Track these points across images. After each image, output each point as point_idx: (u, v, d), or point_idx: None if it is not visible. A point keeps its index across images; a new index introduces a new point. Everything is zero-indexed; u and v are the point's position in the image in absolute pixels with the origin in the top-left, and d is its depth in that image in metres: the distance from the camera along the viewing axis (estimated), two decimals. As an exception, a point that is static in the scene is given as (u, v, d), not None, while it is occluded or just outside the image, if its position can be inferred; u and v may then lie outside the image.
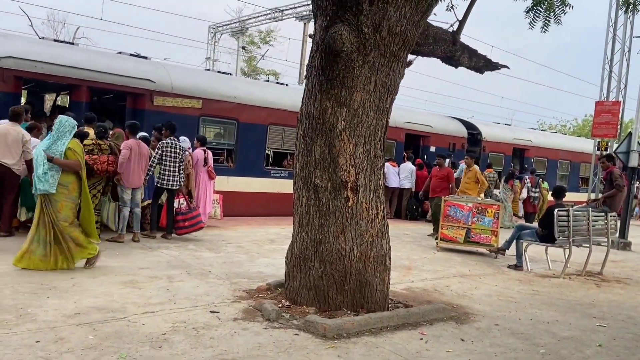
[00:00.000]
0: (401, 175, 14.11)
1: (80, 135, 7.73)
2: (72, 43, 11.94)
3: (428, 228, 11.61)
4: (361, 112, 4.72)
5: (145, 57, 11.54)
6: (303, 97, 4.97)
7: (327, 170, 4.74)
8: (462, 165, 12.86)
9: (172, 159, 8.15)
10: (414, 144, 15.86)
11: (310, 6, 22.55)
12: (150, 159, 8.02)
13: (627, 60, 15.54)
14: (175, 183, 8.21)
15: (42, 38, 11.73)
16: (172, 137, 8.31)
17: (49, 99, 14.94)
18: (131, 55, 11.35)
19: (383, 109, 4.87)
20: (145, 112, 10.51)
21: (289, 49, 42.01)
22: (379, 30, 4.55)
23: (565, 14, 5.63)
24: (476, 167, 11.38)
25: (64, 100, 15.62)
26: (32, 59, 9.19)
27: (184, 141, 9.72)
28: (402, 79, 5.00)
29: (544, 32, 5.65)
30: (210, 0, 50.51)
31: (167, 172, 8.11)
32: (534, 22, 5.68)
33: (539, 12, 5.67)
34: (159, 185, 8.17)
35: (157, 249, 7.38)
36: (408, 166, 14.21)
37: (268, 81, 17.14)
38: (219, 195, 10.20)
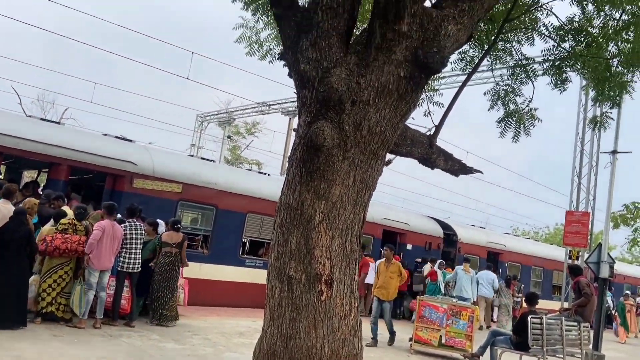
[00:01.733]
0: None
1: (58, 215, 7.60)
2: (57, 122, 12.12)
3: (406, 328, 11.29)
4: (339, 205, 4.78)
5: (130, 140, 11.72)
6: (283, 187, 5.04)
7: (302, 261, 4.69)
8: (459, 267, 12.79)
9: (135, 242, 8.00)
10: (390, 241, 15.92)
11: (295, 103, 23.54)
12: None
13: (595, 174, 16.29)
14: (137, 266, 7.98)
15: (29, 116, 11.91)
16: (133, 220, 8.21)
17: (27, 176, 14.82)
18: (116, 137, 11.53)
19: (361, 204, 4.94)
20: (123, 193, 10.47)
21: (273, 141, 43.16)
22: (359, 129, 4.74)
23: (534, 127, 5.98)
24: (396, 261, 10.45)
25: (42, 178, 15.53)
26: (14, 136, 9.25)
27: (160, 224, 9.63)
28: (380, 176, 5.13)
29: (515, 142, 5.97)
30: (200, 89, 52.53)
31: (129, 255, 7.91)
32: (505, 132, 6.02)
33: (509, 123, 6.02)
34: (119, 269, 7.91)
35: (118, 337, 7.00)
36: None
37: (250, 170, 17.41)
38: (184, 280, 9.91)
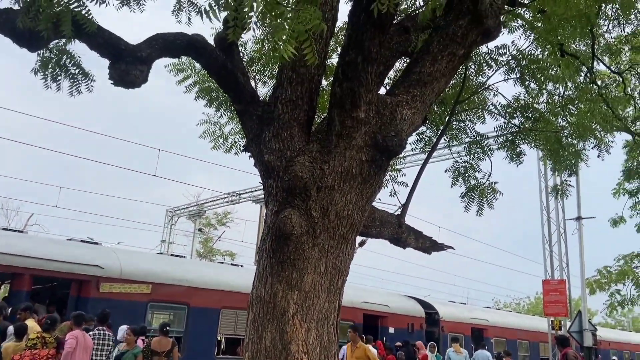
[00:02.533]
0: None
1: (21, 328, 7.17)
2: (20, 231, 11.81)
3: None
4: (312, 294, 4.65)
5: (96, 243, 11.43)
6: (254, 280, 4.91)
7: (278, 359, 4.46)
8: (450, 349, 12.14)
9: (100, 351, 7.55)
10: (372, 325, 15.47)
11: (263, 193, 23.67)
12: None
13: (565, 240, 16.57)
14: None
15: (-8, 226, 11.58)
16: (102, 327, 7.81)
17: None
18: (82, 241, 11.23)
19: (335, 291, 4.83)
20: (89, 300, 10.03)
21: (246, 230, 42.82)
22: (327, 214, 4.75)
23: (496, 199, 6.12)
24: (363, 343, 9.62)
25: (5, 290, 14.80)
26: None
27: (122, 330, 9.13)
28: (352, 260, 5.07)
29: (480, 215, 6.07)
30: (168, 185, 52.55)
31: None
32: (469, 206, 6.13)
33: (472, 197, 6.15)
34: None
35: None
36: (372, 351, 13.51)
37: (223, 262, 17.05)
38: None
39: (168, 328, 8.38)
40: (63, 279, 10.12)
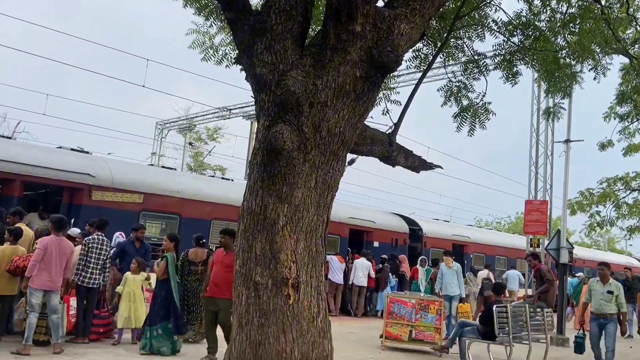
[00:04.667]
0: (359, 271, 13.93)
1: (17, 234, 7.26)
2: (9, 137, 11.68)
3: (376, 325, 11.35)
4: (302, 208, 4.77)
5: (87, 152, 11.40)
6: (245, 192, 4.99)
7: (267, 266, 4.65)
8: (442, 264, 11.63)
9: (97, 256, 7.71)
10: (357, 239, 16.02)
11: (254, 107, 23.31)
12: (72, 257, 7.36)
13: (551, 162, 16.83)
14: (96, 282, 7.69)
15: (-22, 131, 11.43)
16: (99, 233, 7.93)
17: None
18: (72, 149, 11.19)
19: (324, 205, 4.94)
20: (82, 207, 10.18)
21: (236, 145, 42.88)
22: (318, 130, 4.75)
23: (488, 120, 6.14)
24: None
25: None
26: (-36, 152, 8.88)
27: (117, 237, 9.36)
28: (342, 176, 5.15)
29: (471, 135, 6.11)
30: (159, 97, 51.62)
31: (89, 270, 7.61)
32: (461, 126, 6.15)
33: (465, 117, 6.15)
34: (79, 283, 7.59)
35: (83, 355, 6.79)
36: (365, 263, 14.01)
37: (213, 176, 17.20)
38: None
39: (204, 240, 8.51)
40: (54, 186, 10.19)
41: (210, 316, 7.07)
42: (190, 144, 29.73)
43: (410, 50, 5.98)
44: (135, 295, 7.81)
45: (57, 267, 6.93)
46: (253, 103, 25.84)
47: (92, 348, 7.25)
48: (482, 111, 6.17)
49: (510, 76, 6.35)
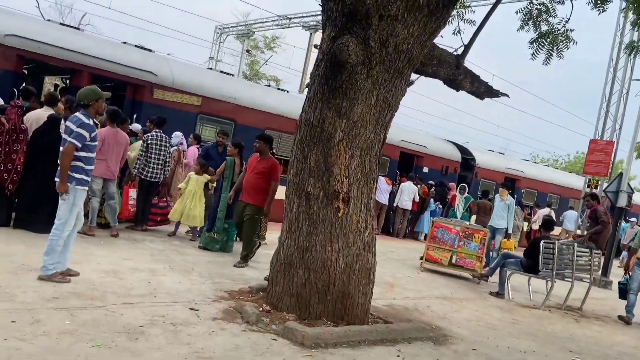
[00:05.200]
0: (405, 195, 14.04)
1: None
2: (77, 28, 11.89)
3: (417, 247, 11.60)
4: (360, 124, 4.75)
5: (150, 50, 11.54)
6: (304, 104, 5.00)
7: (320, 179, 4.75)
8: (497, 196, 11.12)
9: (157, 152, 8.07)
10: (407, 163, 15.94)
11: (318, 17, 22.62)
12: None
13: (625, 101, 15.74)
14: (158, 176, 8.13)
15: (48, 20, 11.69)
16: (158, 130, 8.23)
17: (48, 82, 14.85)
18: (136, 46, 11.35)
19: (382, 124, 4.90)
20: (144, 104, 10.49)
21: (293, 57, 42.16)
22: (385, 45, 4.60)
23: (568, 48, 5.73)
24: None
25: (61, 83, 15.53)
26: (36, 39, 9.16)
27: (177, 136, 9.69)
28: (403, 96, 5.04)
29: (546, 64, 5.75)
30: (219, 1, 50.71)
31: (150, 165, 8.02)
32: (537, 53, 5.77)
33: (542, 44, 5.76)
34: (142, 177, 8.06)
35: (141, 241, 7.33)
36: (411, 187, 14.06)
37: (269, 86, 17.19)
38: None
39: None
40: (119, 81, 10.48)
41: (238, 220, 7.19)
42: (247, 51, 29.53)
43: (493, -35, 5.54)
44: (195, 194, 8.15)
45: (114, 157, 7.37)
46: (314, 13, 24.98)
47: (149, 236, 7.80)
48: (563, 39, 5.75)
49: (599, 2, 5.81)
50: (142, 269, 5.71)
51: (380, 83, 4.72)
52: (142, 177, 8.03)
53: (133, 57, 10.54)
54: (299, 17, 23.32)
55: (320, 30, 20.75)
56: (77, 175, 4.81)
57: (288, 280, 4.81)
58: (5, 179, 6.43)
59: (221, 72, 14.08)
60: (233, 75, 15.82)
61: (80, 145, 4.79)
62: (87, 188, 5.01)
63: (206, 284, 5.57)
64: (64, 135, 4.90)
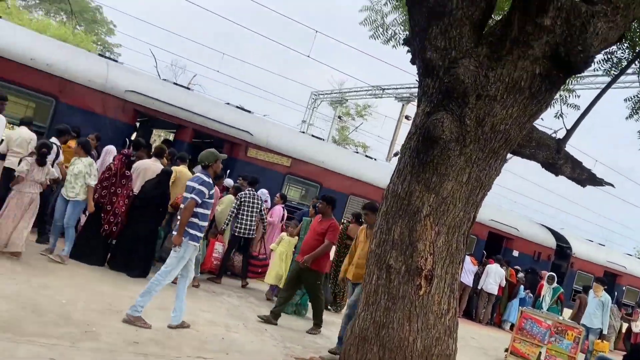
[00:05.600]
0: (491, 278, 13.22)
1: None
2: (187, 88, 12.96)
3: (501, 337, 10.79)
4: (449, 201, 4.63)
5: (249, 111, 12.26)
6: (392, 175, 4.98)
7: (403, 252, 4.63)
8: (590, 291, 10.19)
9: (250, 209, 8.40)
10: (496, 244, 15.19)
11: (411, 89, 22.80)
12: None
13: None
14: (252, 232, 8.45)
15: (164, 80, 12.86)
16: (250, 189, 8.58)
17: (155, 134, 16.14)
18: (236, 107, 12.12)
19: (472, 203, 4.75)
20: (238, 161, 11.03)
21: (383, 126, 42.88)
22: (481, 124, 4.53)
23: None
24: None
25: (168, 136, 16.80)
26: (150, 96, 10.07)
27: (262, 194, 10.05)
28: (497, 175, 4.89)
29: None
30: (316, 67, 53.38)
31: (243, 222, 8.34)
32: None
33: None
34: (236, 234, 8.39)
35: (220, 294, 7.46)
36: (498, 270, 13.09)
37: (357, 152, 17.46)
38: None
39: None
40: (218, 138, 11.17)
41: (292, 276, 6.89)
42: (339, 117, 30.48)
43: (602, 51, 5.37)
44: (287, 256, 8.23)
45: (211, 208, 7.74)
46: (407, 85, 25.18)
47: (227, 290, 7.93)
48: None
49: None
50: (218, 323, 5.77)
51: (474, 161, 4.62)
52: (235, 233, 8.40)
53: (233, 117, 11.24)
54: (392, 88, 23.87)
55: (412, 102, 20.75)
56: (191, 231, 5.10)
57: (361, 356, 4.62)
58: (105, 219, 6.92)
59: (312, 135, 14.56)
60: (323, 139, 16.30)
61: (200, 201, 5.11)
62: (198, 244, 5.27)
63: (278, 347, 5.51)
64: (184, 194, 5.25)
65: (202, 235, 5.26)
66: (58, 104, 9.12)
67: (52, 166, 6.82)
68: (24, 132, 7.15)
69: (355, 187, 12.39)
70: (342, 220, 12.64)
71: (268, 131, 11.64)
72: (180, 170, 8.08)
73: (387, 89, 24.24)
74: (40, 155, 6.25)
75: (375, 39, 7.53)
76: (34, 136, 7.30)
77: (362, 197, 12.45)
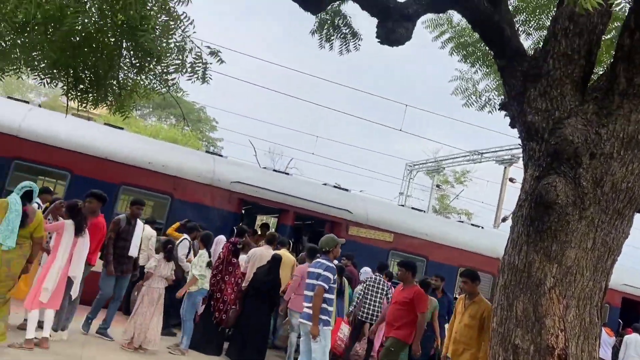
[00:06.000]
0: (631, 349, 11.62)
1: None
2: (286, 173, 13.55)
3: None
4: (575, 270, 4.25)
5: (346, 190, 12.45)
6: (506, 246, 4.71)
7: (530, 330, 4.25)
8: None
9: (375, 294, 8.33)
10: (631, 311, 13.51)
11: (512, 151, 21.90)
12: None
13: None
14: (373, 317, 8.32)
15: (264, 168, 13.59)
16: (379, 275, 8.58)
17: (259, 220, 16.85)
18: (334, 186, 12.38)
19: (602, 270, 4.32)
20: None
21: (486, 190, 41.45)
22: (600, 185, 4.21)
23: None
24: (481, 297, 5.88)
25: (272, 221, 17.45)
26: (253, 185, 10.62)
27: (365, 272, 9.91)
28: (626, 238, 4.45)
29: None
30: (408, 139, 53.77)
31: (366, 306, 8.26)
32: None
33: None
34: (362, 319, 8.30)
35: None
36: (638, 340, 11.41)
37: (462, 222, 16.87)
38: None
39: None
40: (319, 219, 11.40)
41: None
42: (437, 186, 29.97)
43: None
44: None
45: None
46: (507, 147, 24.31)
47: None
48: None
49: None
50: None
51: (597, 225, 4.25)
52: (362, 318, 8.34)
53: (331, 197, 11.47)
54: (491, 151, 23.20)
55: (515, 164, 19.79)
56: (323, 317, 5.16)
57: None
58: (215, 307, 7.14)
59: (412, 208, 14.36)
60: (424, 211, 16.00)
61: (327, 287, 5.20)
62: (331, 328, 5.32)
63: None
64: (308, 280, 5.37)
65: (331, 319, 5.30)
66: (173, 200, 9.91)
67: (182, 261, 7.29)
68: (147, 230, 7.78)
69: (463, 258, 11.85)
70: (455, 295, 12.03)
71: (367, 207, 11.69)
72: (282, 254, 8.24)
73: (486, 152, 23.61)
74: (167, 251, 6.72)
75: (468, 107, 7.47)
76: (154, 233, 7.92)
77: (472, 268, 11.84)
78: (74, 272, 5.85)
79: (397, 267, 6.76)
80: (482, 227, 14.32)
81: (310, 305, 5.27)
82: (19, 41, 3.74)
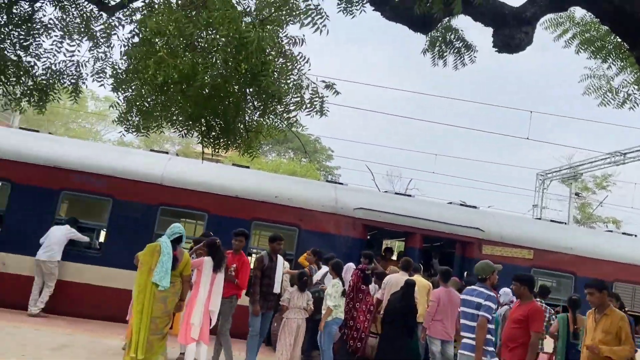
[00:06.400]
0: None
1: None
2: (409, 195, 13.30)
3: None
4: None
5: (474, 207, 11.88)
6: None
7: None
8: None
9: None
10: None
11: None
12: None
13: None
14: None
15: (385, 192, 13.50)
16: (540, 300, 8.05)
17: (385, 244, 16.70)
18: (460, 204, 11.88)
19: None
20: (473, 260, 10.53)
21: (634, 194, 37.10)
22: None
23: None
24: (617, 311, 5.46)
25: (398, 245, 17.21)
26: (376, 210, 10.57)
27: (505, 294, 9.23)
28: None
29: None
30: (535, 147, 50.31)
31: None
32: None
33: None
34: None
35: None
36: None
37: (611, 231, 15.22)
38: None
39: None
40: (448, 239, 10.96)
41: None
42: (576, 194, 27.45)
43: None
44: None
45: (450, 317, 7.38)
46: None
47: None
48: None
49: None
50: None
51: None
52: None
53: (459, 216, 11.00)
54: (635, 151, 20.79)
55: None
56: (488, 348, 5.06)
57: None
58: (349, 336, 7.12)
59: (551, 220, 13.27)
60: (565, 223, 14.71)
61: (491, 317, 5.08)
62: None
63: None
64: (463, 308, 5.25)
65: (491, 349, 5.10)
66: (300, 231, 10.21)
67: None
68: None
69: (619, 272, 10.62)
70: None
71: (500, 224, 11.03)
72: (416, 279, 8.02)
73: (629, 152, 21.22)
74: (301, 283, 6.91)
75: (605, 105, 6.83)
76: (287, 265, 8.19)
77: (630, 282, 10.57)
78: (213, 307, 6.26)
79: (512, 281, 6.01)
80: (636, 235, 12.75)
81: (472, 336, 5.12)
82: (159, 100, 4.18)
